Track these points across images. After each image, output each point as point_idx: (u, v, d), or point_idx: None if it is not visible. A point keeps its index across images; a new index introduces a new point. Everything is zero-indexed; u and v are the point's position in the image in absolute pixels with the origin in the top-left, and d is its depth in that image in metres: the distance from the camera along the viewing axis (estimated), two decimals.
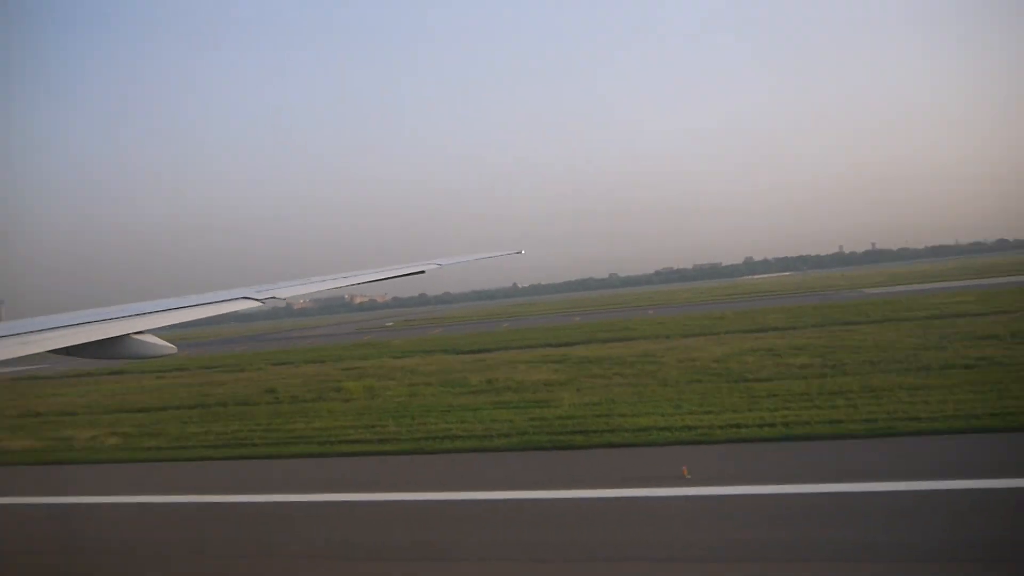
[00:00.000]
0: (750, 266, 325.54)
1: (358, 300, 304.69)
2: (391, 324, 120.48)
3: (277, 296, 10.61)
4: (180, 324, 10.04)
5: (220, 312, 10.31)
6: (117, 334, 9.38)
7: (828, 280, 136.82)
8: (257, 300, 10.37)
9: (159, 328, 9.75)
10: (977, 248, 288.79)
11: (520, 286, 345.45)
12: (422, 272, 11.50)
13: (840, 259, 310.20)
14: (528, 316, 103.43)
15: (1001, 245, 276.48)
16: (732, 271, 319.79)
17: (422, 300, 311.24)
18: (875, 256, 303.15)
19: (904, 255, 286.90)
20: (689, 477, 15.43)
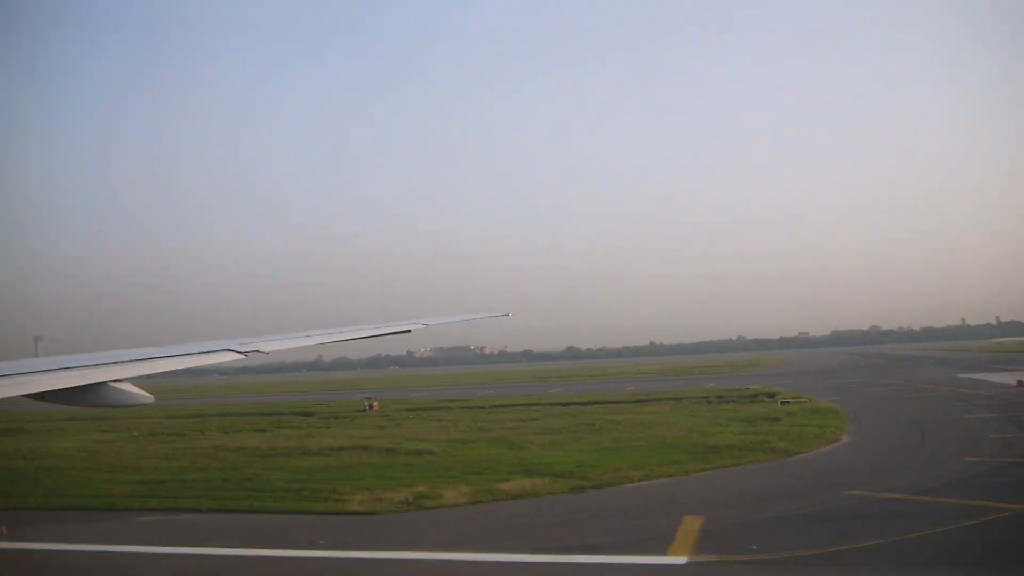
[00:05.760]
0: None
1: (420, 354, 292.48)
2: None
3: (260, 350, 10.92)
4: (160, 374, 10.46)
5: (202, 364, 10.78)
6: (95, 381, 9.83)
7: None
8: (240, 353, 10.74)
9: (139, 377, 10.21)
10: None
11: (581, 348, 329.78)
12: (408, 331, 11.57)
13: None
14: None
15: None
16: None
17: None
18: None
19: None
20: None
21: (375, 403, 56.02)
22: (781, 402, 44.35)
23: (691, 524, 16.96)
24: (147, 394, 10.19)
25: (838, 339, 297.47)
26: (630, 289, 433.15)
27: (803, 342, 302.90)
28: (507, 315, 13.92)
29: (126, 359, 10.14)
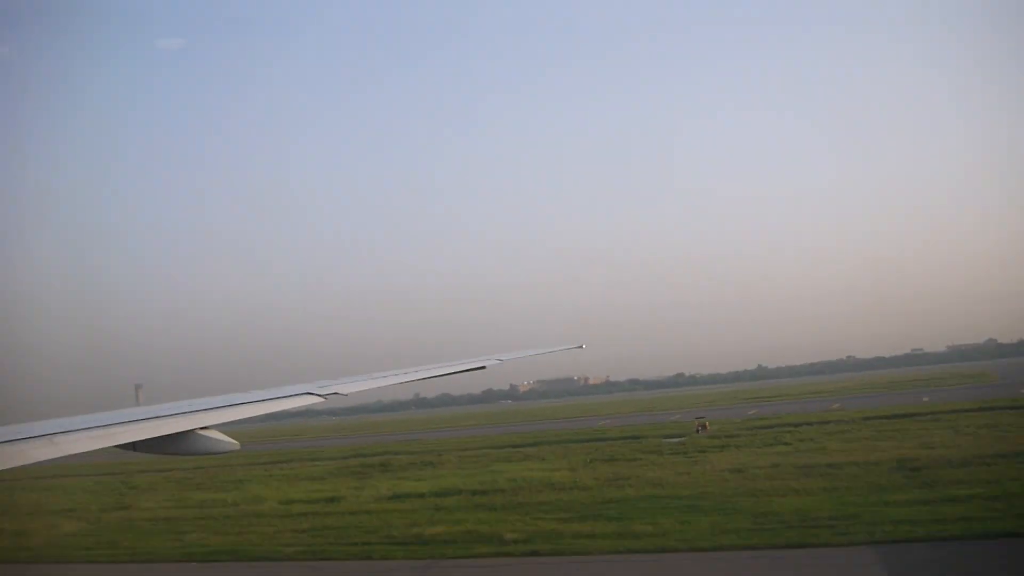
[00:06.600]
0: None
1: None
2: None
3: (339, 392, 11.05)
4: (243, 420, 10.70)
5: (283, 408, 10.95)
6: (183, 429, 10.15)
7: None
8: (320, 396, 10.89)
9: (223, 424, 10.45)
10: None
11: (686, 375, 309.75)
12: (483, 368, 11.46)
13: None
14: None
15: None
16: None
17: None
18: None
19: None
20: None
21: (707, 423, 57.39)
22: None
23: None
24: (233, 441, 10.45)
25: (958, 355, 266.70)
26: (726, 310, 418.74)
27: (920, 358, 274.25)
28: (580, 347, 13.62)
29: (211, 406, 10.46)
